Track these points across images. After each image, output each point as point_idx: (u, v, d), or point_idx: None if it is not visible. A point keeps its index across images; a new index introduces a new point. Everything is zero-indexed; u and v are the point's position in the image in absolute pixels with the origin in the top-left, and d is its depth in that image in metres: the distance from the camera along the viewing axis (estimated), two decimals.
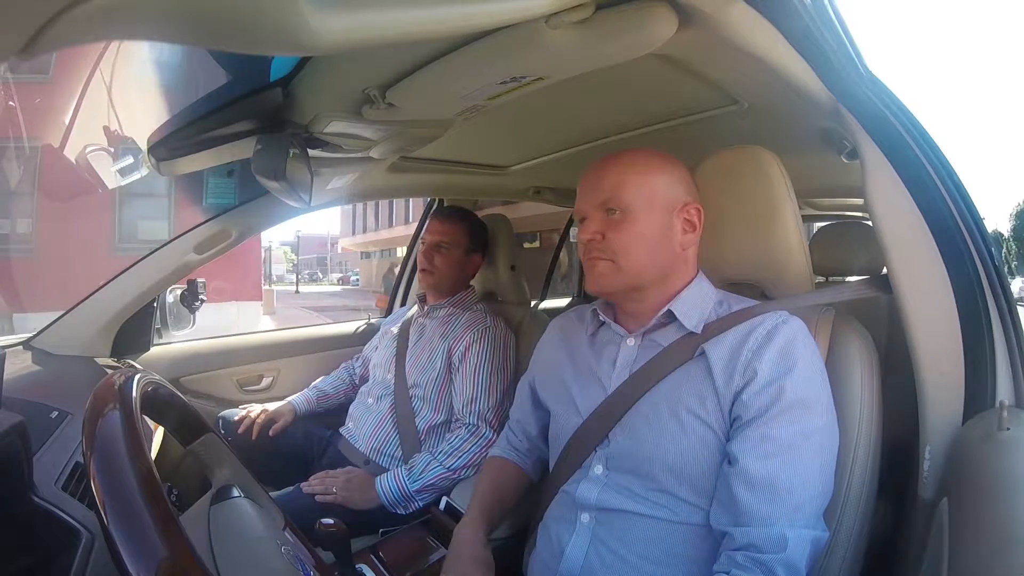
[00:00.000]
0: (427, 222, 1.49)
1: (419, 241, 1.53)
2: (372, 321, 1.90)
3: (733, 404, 0.65)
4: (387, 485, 1.11)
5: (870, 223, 0.89)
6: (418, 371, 1.28)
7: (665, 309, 0.72)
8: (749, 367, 0.64)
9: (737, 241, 0.78)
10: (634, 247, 0.71)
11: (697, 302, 0.73)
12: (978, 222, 0.69)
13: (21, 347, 1.19)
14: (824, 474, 0.62)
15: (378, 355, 1.42)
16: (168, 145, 0.92)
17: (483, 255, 1.43)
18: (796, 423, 0.62)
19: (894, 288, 0.71)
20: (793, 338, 0.66)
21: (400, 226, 20.60)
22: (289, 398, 1.43)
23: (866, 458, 0.68)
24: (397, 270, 2.24)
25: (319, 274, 54.78)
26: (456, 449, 1.15)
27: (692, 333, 0.71)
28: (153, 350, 1.40)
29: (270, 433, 1.32)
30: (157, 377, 0.63)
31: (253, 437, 1.29)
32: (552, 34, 0.56)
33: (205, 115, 0.84)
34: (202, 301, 1.43)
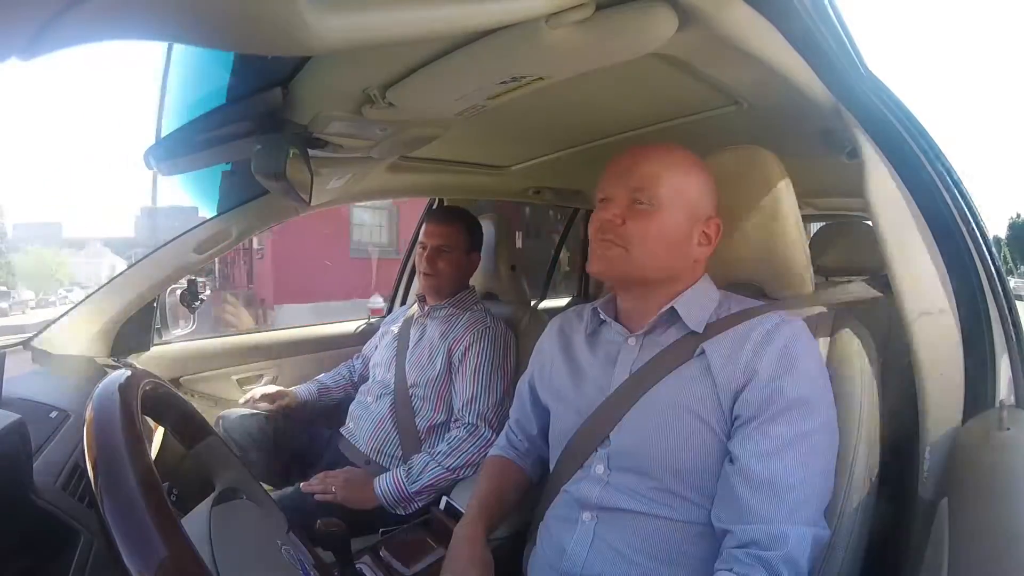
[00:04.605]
0: (423, 225, 1.48)
1: (418, 244, 1.52)
2: (372, 321, 1.90)
3: (734, 403, 0.65)
4: (386, 486, 1.11)
5: (870, 223, 0.89)
6: (418, 371, 1.28)
7: (668, 307, 0.72)
8: (749, 367, 0.65)
9: (737, 241, 0.78)
10: (652, 241, 0.69)
11: (700, 302, 0.73)
12: (978, 222, 0.69)
13: (21, 347, 1.19)
14: (824, 473, 0.63)
15: (378, 354, 1.42)
16: (168, 145, 0.92)
17: (479, 252, 1.43)
18: (796, 422, 0.62)
19: (894, 288, 0.71)
20: (793, 338, 0.66)
21: None
22: (290, 388, 1.44)
23: (866, 458, 0.68)
24: None
25: None
26: (454, 449, 1.15)
27: (693, 333, 0.71)
28: (153, 350, 1.39)
29: (273, 405, 1.36)
30: (157, 377, 0.63)
31: (271, 405, 1.34)
32: (552, 34, 0.56)
33: (205, 115, 0.84)
34: (202, 301, 1.42)
